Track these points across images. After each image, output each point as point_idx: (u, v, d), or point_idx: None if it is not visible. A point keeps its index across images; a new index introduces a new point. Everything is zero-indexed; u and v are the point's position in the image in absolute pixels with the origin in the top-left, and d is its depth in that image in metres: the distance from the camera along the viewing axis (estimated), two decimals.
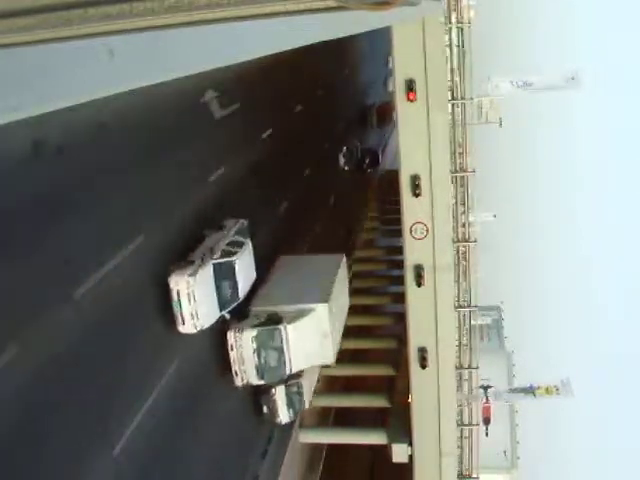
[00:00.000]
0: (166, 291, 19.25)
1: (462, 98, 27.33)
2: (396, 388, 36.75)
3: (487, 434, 33.78)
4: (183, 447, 20.48)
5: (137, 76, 4.74)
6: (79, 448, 15.08)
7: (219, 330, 22.55)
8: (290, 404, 26.64)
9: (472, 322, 31.28)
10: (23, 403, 13.27)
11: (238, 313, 23.15)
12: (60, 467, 14.47)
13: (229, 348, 23.07)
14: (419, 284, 29.47)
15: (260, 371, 23.61)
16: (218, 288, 20.97)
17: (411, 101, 26.86)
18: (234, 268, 21.36)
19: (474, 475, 33.16)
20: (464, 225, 29.33)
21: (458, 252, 29.60)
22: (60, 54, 3.45)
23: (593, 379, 65.97)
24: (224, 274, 21.06)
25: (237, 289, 21.86)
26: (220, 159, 23.92)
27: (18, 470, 13.14)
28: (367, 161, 53.18)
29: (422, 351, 30.75)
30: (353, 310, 47.16)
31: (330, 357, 25.87)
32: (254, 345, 23.07)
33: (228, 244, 21.56)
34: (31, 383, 13.45)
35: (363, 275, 50.94)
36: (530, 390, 33.11)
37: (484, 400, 33.04)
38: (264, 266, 25.86)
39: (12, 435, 12.95)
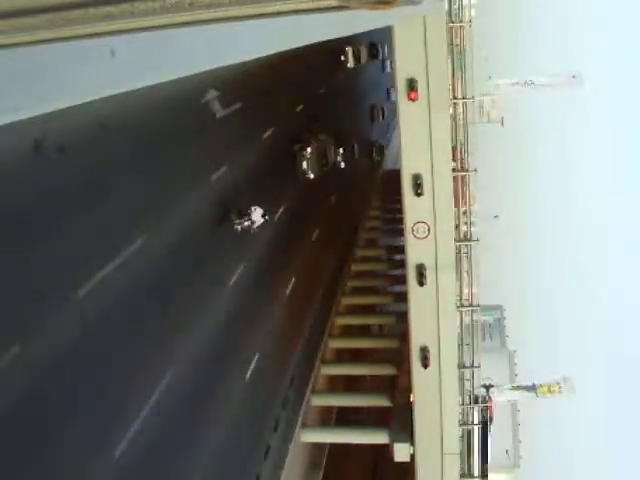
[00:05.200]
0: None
1: (464, 97, 27.31)
2: (398, 387, 36.77)
3: (489, 433, 33.76)
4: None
5: (139, 76, 4.74)
6: (79, 450, 15.10)
7: None
8: None
9: (474, 321, 31.27)
10: (23, 403, 13.28)
11: None
12: (62, 467, 14.51)
13: None
14: (421, 283, 29.45)
15: None
16: None
17: (412, 100, 26.84)
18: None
19: (476, 474, 33.14)
20: (466, 224, 29.32)
21: (460, 251, 29.58)
22: (61, 54, 3.45)
23: (595, 377, 65.92)
24: None
25: None
26: (221, 159, 23.91)
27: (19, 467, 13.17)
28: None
29: (424, 350, 30.74)
30: (355, 309, 47.41)
31: None
32: None
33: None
34: (31, 383, 13.47)
35: (365, 275, 50.97)
36: (532, 389, 33.14)
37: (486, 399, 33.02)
38: None
39: (11, 436, 12.96)
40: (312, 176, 33.01)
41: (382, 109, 60.85)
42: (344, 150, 39.96)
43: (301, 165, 32.54)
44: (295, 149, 32.53)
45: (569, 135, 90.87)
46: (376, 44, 54.62)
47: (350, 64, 45.46)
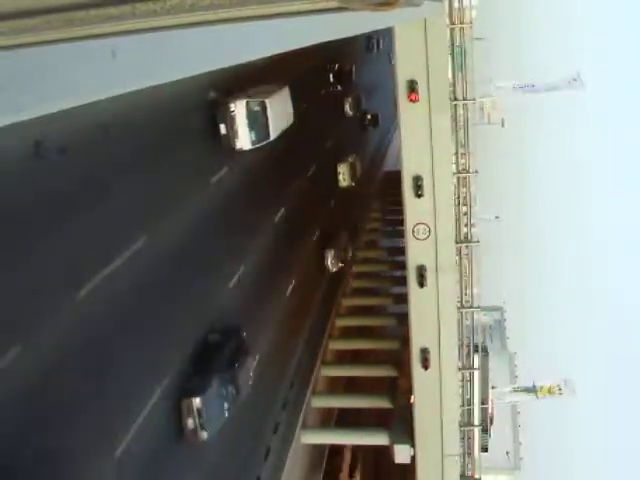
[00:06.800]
0: None
1: (464, 99, 27.32)
2: (399, 389, 36.74)
3: (490, 435, 33.75)
4: None
5: (139, 77, 4.75)
6: (80, 451, 15.11)
7: None
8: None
9: (474, 323, 31.23)
10: (24, 401, 13.30)
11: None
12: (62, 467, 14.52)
13: None
14: (421, 285, 29.42)
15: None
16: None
17: (413, 102, 26.83)
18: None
19: (477, 476, 33.11)
20: (466, 226, 29.30)
21: (460, 253, 29.57)
22: (63, 56, 3.46)
23: (595, 379, 65.90)
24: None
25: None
26: (222, 161, 23.88)
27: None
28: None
29: (424, 352, 30.71)
30: (355, 311, 47.39)
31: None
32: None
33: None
34: (32, 382, 13.48)
35: (365, 276, 50.97)
36: (532, 390, 33.17)
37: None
38: None
39: (12, 436, 12.98)
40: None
41: (353, 165, 41.61)
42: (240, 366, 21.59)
43: None
44: None
45: (570, 136, 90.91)
46: (332, 65, 38.85)
47: (243, 144, 23.02)
